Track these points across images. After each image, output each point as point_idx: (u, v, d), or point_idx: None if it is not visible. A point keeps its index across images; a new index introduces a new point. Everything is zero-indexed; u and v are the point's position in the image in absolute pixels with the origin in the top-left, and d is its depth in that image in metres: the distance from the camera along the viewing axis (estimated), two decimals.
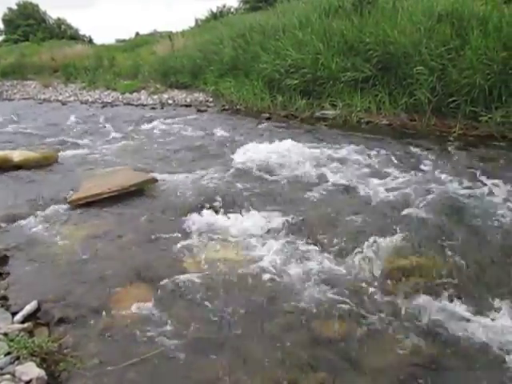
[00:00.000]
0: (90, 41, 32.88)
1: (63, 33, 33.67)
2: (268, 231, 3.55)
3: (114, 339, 2.47)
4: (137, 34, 28.88)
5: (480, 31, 6.53)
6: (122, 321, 2.59)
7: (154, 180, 4.70)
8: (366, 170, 4.95)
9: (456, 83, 6.37)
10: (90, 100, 12.44)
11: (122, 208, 4.19)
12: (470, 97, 6.25)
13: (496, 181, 4.32)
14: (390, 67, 7.38)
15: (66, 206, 4.25)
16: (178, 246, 3.39)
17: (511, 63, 5.97)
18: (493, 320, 2.46)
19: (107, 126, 8.50)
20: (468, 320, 2.47)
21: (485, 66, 6.11)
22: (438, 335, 2.39)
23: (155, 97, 11.68)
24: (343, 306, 2.63)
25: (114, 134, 7.66)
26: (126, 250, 3.41)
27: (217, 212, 3.90)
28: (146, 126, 8.15)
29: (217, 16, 21.27)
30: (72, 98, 12.96)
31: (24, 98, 13.73)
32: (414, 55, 6.96)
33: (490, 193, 4.05)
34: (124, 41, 26.21)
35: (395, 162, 5.17)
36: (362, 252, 3.14)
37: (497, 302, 2.61)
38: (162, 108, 10.43)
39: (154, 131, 7.72)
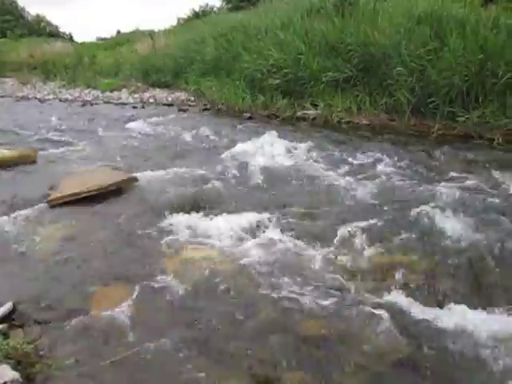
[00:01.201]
0: (71, 38, 32.43)
1: (42, 30, 33.10)
2: (248, 230, 3.54)
3: (91, 340, 2.43)
4: (118, 32, 28.61)
5: (458, 33, 6.65)
6: (99, 321, 2.55)
7: (134, 179, 4.65)
8: (347, 168, 4.99)
9: (435, 84, 6.48)
10: (70, 98, 12.25)
11: (100, 208, 4.13)
12: (449, 97, 6.37)
13: (472, 179, 4.41)
14: (370, 68, 7.47)
15: (43, 206, 4.16)
16: (158, 245, 3.36)
17: (488, 65, 6.09)
18: (474, 317, 2.49)
19: (87, 124, 8.38)
20: (449, 317, 2.50)
21: (462, 67, 6.23)
22: (419, 332, 2.42)
23: (136, 95, 11.58)
24: (324, 304, 2.64)
25: (93, 133, 7.55)
26: (104, 251, 3.36)
27: (197, 211, 3.87)
28: (126, 125, 8.06)
29: (199, 15, 21.19)
30: (51, 96, 12.73)
31: (1, 96, 13.44)
32: (394, 56, 7.05)
33: (467, 191, 4.12)
34: (105, 39, 25.95)
35: (373, 160, 5.23)
36: (342, 250, 3.16)
37: (478, 300, 2.66)
38: (143, 107, 10.33)
39: (135, 130, 7.63)
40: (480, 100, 6.16)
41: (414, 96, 6.69)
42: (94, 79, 13.73)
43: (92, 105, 11.16)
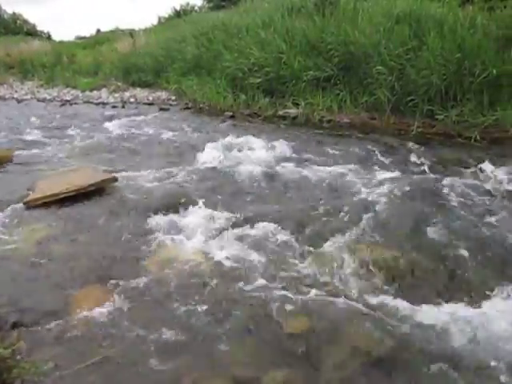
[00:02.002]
0: (49, 37, 31.77)
1: (19, 28, 32.34)
2: (229, 228, 3.53)
3: (71, 342, 2.39)
4: (98, 31, 28.16)
5: (436, 33, 6.75)
6: (79, 323, 2.51)
7: (114, 179, 4.59)
8: (324, 165, 5.04)
9: (414, 83, 6.56)
10: (48, 98, 12.02)
11: (80, 208, 4.06)
12: (428, 96, 6.46)
13: (449, 175, 4.49)
14: (351, 67, 7.52)
15: (21, 207, 4.08)
16: (138, 245, 3.32)
17: (465, 64, 6.19)
18: (457, 314, 2.52)
19: (66, 124, 8.22)
20: (431, 314, 2.53)
21: (441, 66, 6.32)
22: (402, 328, 2.44)
23: (116, 95, 11.43)
24: (306, 301, 2.65)
25: (72, 133, 7.43)
26: (84, 251, 3.30)
27: (177, 211, 3.84)
28: (106, 125, 7.95)
29: (180, 14, 21.01)
30: (29, 96, 12.47)
31: None
32: (374, 55, 7.12)
33: (443, 187, 4.19)
34: (84, 38, 25.52)
35: (354, 158, 5.28)
36: (323, 246, 3.18)
37: (461, 296, 2.69)
38: (124, 106, 10.21)
39: (115, 130, 7.53)
40: (458, 98, 6.26)
41: (394, 95, 6.77)
42: (73, 78, 13.51)
43: (71, 104, 10.97)
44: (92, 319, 2.54)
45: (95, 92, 12.02)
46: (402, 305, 2.61)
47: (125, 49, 14.25)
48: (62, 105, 10.93)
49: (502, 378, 2.09)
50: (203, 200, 4.03)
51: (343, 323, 2.49)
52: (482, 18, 6.74)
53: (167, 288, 2.80)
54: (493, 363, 2.17)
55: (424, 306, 2.60)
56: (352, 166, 4.97)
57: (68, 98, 11.80)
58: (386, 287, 2.79)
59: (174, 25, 15.85)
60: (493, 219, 3.56)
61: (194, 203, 3.97)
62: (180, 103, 9.87)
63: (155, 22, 21.82)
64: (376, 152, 5.49)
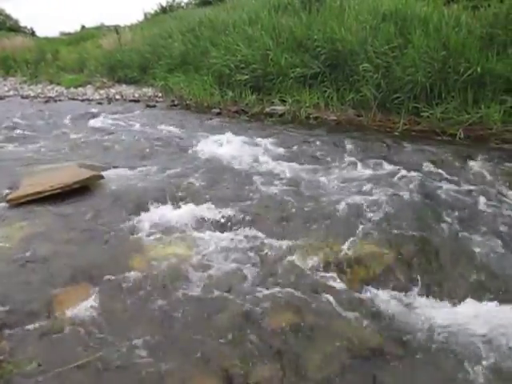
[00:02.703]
0: (33, 33, 31.24)
1: (1, 24, 31.76)
2: (215, 224, 3.52)
3: (55, 342, 2.36)
4: (83, 27, 27.78)
5: (422, 31, 6.81)
6: (64, 323, 2.48)
7: (100, 177, 4.53)
8: (308, 163, 5.06)
9: (399, 80, 6.60)
10: (32, 95, 11.86)
11: (65, 206, 4.01)
12: (413, 93, 6.50)
13: (432, 171, 4.55)
14: (337, 64, 7.55)
15: (3, 205, 4.01)
16: (124, 243, 3.29)
17: (450, 62, 6.25)
18: (442, 307, 2.56)
19: (50, 121, 8.12)
20: (416, 308, 2.56)
21: (426, 64, 6.37)
22: (388, 322, 2.46)
23: (102, 92, 11.31)
24: (294, 296, 2.66)
25: (57, 130, 7.33)
26: (69, 250, 3.26)
27: (163, 208, 3.82)
28: (91, 122, 7.86)
29: (166, 10, 20.85)
30: (11, 93, 12.29)
31: None
32: (360, 53, 7.15)
33: (429, 184, 4.23)
34: (69, 34, 25.16)
35: (339, 155, 5.29)
36: (310, 241, 3.19)
37: (446, 289, 2.73)
38: (109, 103, 10.11)
39: (101, 127, 7.46)
40: (443, 96, 6.32)
41: (380, 92, 6.81)
42: (57, 75, 13.34)
43: (56, 101, 10.83)
44: (76, 318, 2.50)
45: (80, 89, 11.88)
46: (387, 300, 2.64)
47: (110, 45, 14.09)
48: (47, 101, 10.78)
49: (492, 372, 2.12)
50: (189, 197, 4.01)
51: (329, 318, 2.50)
52: (466, 16, 6.82)
53: (153, 286, 2.78)
54: (482, 357, 2.19)
55: (410, 301, 2.63)
56: (337, 164, 4.99)
57: (52, 95, 11.65)
58: (371, 282, 2.81)
59: (160, 21, 15.74)
60: (475, 216, 3.61)
61: (180, 200, 3.95)
62: (167, 100, 9.81)
63: (141, 18, 21.61)
64: (362, 149, 5.51)
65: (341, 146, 5.60)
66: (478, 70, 5.99)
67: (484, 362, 2.17)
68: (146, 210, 3.78)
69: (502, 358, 2.19)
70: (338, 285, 2.79)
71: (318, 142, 5.84)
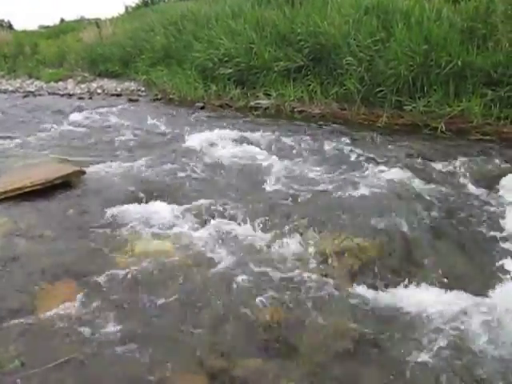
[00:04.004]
0: (10, 26, 30.53)
1: None
2: (200, 219, 3.50)
3: (38, 340, 2.31)
4: (62, 20, 27.26)
5: (404, 24, 6.84)
6: (46, 320, 2.44)
7: (81, 172, 4.46)
8: (293, 157, 5.05)
9: (382, 74, 6.63)
10: (10, 89, 11.64)
11: (46, 202, 3.93)
12: (396, 87, 6.53)
13: (411, 164, 4.59)
14: (321, 58, 7.55)
15: None
16: (107, 239, 3.25)
17: (432, 55, 6.30)
18: (426, 297, 2.58)
19: (30, 116, 7.97)
20: (401, 299, 2.58)
21: (408, 57, 6.41)
22: (371, 314, 2.48)
23: (83, 86, 11.15)
24: (280, 290, 2.65)
25: (37, 125, 7.19)
26: (51, 246, 3.20)
27: (147, 203, 3.78)
28: (72, 117, 7.72)
29: (148, 3, 20.59)
30: None
31: None
32: (343, 46, 7.16)
33: (409, 175, 4.26)
34: (48, 27, 24.67)
35: (321, 149, 5.31)
36: (297, 237, 3.19)
37: (430, 280, 2.75)
38: (91, 98, 9.95)
39: (82, 122, 7.33)
40: (425, 89, 6.37)
41: (364, 85, 6.83)
42: (36, 69, 13.10)
43: (35, 96, 10.63)
44: (60, 316, 2.46)
45: (60, 83, 11.70)
46: (375, 291, 2.66)
47: (91, 39, 13.88)
48: (26, 96, 10.58)
49: (478, 360, 2.15)
50: (173, 191, 3.99)
51: (317, 311, 2.50)
52: (447, 10, 6.87)
53: (138, 281, 2.75)
54: (467, 344, 2.22)
55: (398, 291, 2.65)
56: (318, 157, 5.01)
57: (32, 90, 11.44)
58: (359, 274, 2.83)
59: (141, 14, 15.53)
60: (455, 209, 3.67)
61: (164, 195, 3.92)
62: (150, 94, 9.71)
63: (122, 11, 21.29)
64: (345, 143, 5.53)
65: (324, 140, 5.61)
66: (459, 63, 6.05)
67: (470, 346, 2.20)
68: (129, 205, 3.73)
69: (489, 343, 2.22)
70: (323, 278, 2.79)
71: (301, 136, 5.84)
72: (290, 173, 4.51)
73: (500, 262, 2.90)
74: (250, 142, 5.50)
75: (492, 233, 3.28)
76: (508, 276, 2.76)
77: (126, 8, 21.47)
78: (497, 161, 4.60)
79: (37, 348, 2.26)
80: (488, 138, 5.57)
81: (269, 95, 7.76)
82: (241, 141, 5.53)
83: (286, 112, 7.32)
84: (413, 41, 6.47)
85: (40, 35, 19.08)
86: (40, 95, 10.71)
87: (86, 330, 2.36)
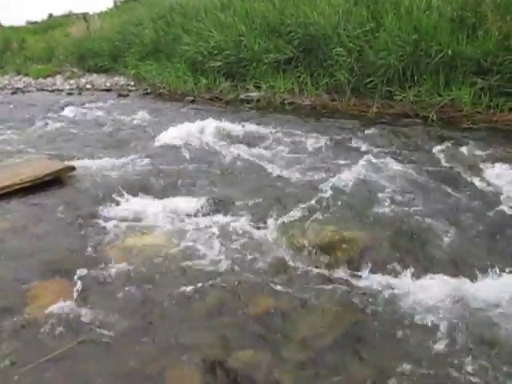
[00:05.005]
0: None
1: None
2: (191, 213, 3.48)
3: (29, 338, 2.30)
4: (50, 15, 26.91)
5: (393, 14, 6.82)
6: (38, 318, 2.41)
7: (72, 168, 4.42)
8: (283, 148, 5.06)
9: (373, 64, 6.63)
10: None
11: (36, 199, 3.90)
12: (386, 77, 6.55)
13: (404, 153, 4.62)
14: (311, 49, 7.53)
15: None
16: (99, 235, 3.23)
17: (421, 45, 6.30)
18: (414, 288, 2.58)
19: (18, 113, 7.89)
20: (391, 289, 2.59)
21: (398, 47, 6.41)
22: (364, 304, 2.48)
23: (72, 81, 11.05)
24: (272, 281, 2.65)
25: (26, 122, 7.12)
26: (42, 244, 3.18)
27: (138, 198, 3.76)
28: (62, 113, 7.67)
29: None
30: None
31: None
32: (333, 37, 7.14)
33: (400, 165, 4.28)
34: (36, 23, 24.36)
35: (313, 139, 5.30)
36: (287, 228, 3.19)
37: (418, 271, 2.75)
38: (80, 93, 9.88)
39: (72, 118, 7.28)
40: (415, 79, 6.38)
41: (354, 76, 6.82)
42: (24, 65, 12.98)
43: (24, 92, 10.53)
44: (52, 313, 2.44)
45: (49, 79, 11.59)
46: (367, 280, 2.67)
47: (79, 33, 13.74)
48: (14, 93, 10.48)
49: (470, 347, 2.16)
50: (164, 186, 3.97)
51: (309, 302, 2.51)
52: None
53: (129, 276, 2.74)
54: (459, 332, 2.23)
55: (390, 281, 2.66)
56: (309, 149, 5.01)
57: (20, 86, 11.34)
58: (351, 264, 2.83)
59: (130, 8, 15.38)
60: (445, 196, 3.69)
61: (155, 190, 3.91)
62: (139, 89, 9.65)
63: (110, 5, 21.05)
64: (335, 133, 5.53)
65: (314, 131, 5.61)
66: (449, 52, 6.06)
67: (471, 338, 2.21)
68: (120, 200, 3.71)
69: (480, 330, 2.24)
70: (315, 268, 2.80)
71: (292, 128, 5.83)
72: (279, 163, 4.51)
73: (487, 250, 2.93)
74: (240, 135, 5.49)
75: (481, 219, 3.30)
76: (488, 263, 2.76)
77: (115, 2, 21.25)
78: (487, 148, 4.63)
79: (28, 345, 2.25)
80: (477, 125, 5.59)
81: (259, 87, 7.73)
82: (231, 134, 5.51)
83: (277, 104, 7.31)
84: (403, 30, 6.47)
85: (28, 31, 18.88)
86: (29, 92, 10.61)
87: (77, 326, 2.34)
